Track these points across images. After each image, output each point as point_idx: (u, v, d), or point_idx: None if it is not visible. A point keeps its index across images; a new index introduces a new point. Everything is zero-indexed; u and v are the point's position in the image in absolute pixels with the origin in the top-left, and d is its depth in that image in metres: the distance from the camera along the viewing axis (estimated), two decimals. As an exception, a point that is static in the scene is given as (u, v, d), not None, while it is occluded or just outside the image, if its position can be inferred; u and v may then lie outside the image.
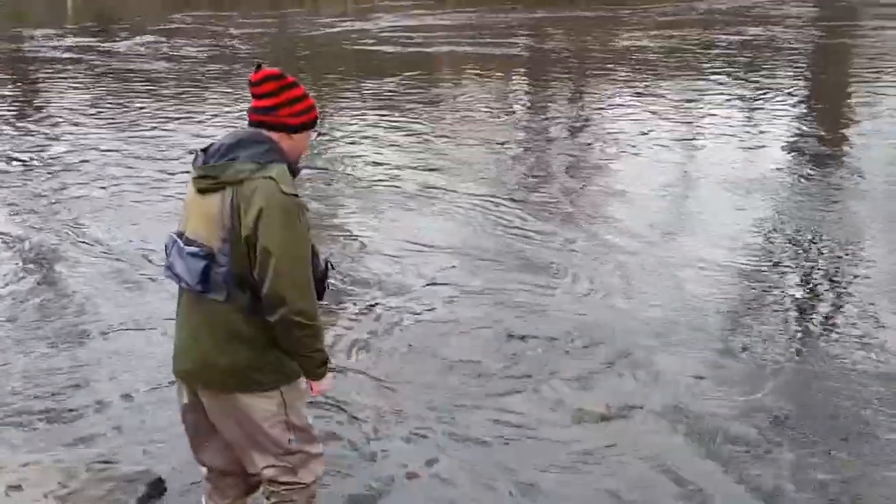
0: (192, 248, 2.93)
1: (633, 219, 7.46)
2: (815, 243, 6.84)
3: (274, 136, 2.98)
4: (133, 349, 5.29)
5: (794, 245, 6.87)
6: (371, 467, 4.13)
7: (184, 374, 3.12)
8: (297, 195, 2.92)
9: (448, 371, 5.01)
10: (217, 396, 3.04)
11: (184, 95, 12.81)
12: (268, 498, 3.30)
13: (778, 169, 8.88)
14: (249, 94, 3.01)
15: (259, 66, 2.97)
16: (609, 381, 4.90)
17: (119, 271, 6.53)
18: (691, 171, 9.02)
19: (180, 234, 3.01)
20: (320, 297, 3.12)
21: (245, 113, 3.10)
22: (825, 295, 6.03)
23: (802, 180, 8.50)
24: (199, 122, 11.18)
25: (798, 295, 6.04)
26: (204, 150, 3.00)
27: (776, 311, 5.72)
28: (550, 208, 7.82)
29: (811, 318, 5.71)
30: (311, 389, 3.16)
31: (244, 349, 2.96)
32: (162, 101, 12.51)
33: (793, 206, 7.77)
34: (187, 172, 3.20)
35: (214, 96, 12.78)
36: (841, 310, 5.79)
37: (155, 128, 10.91)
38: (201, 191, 2.97)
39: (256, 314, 2.92)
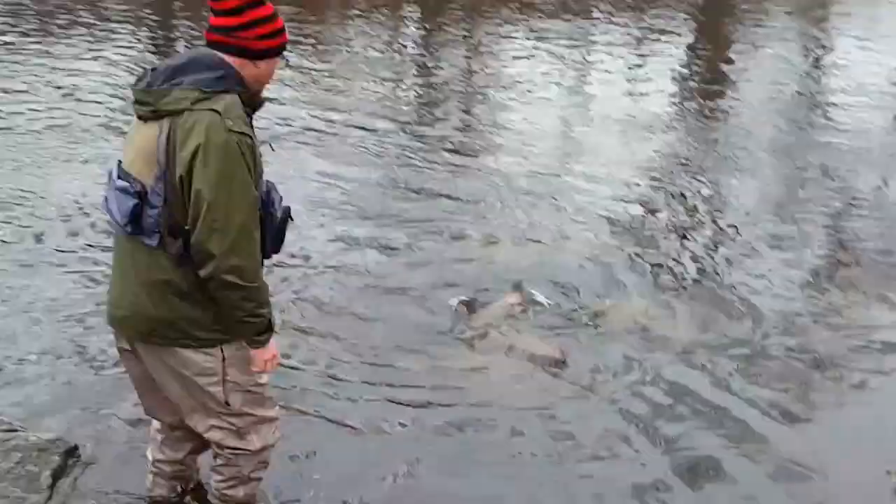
0: (123, 183, 2.63)
1: (526, 154, 7.59)
2: (698, 176, 7.27)
3: (233, 61, 2.64)
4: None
5: (679, 178, 7.25)
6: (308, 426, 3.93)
7: (115, 324, 2.84)
8: (246, 133, 2.59)
9: (371, 324, 4.84)
10: (152, 348, 2.78)
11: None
12: (215, 458, 3.08)
13: (664, 108, 9.21)
14: (208, 9, 2.66)
15: None
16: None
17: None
18: (581, 110, 9.23)
19: (119, 163, 2.70)
20: (275, 252, 2.87)
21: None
22: (706, 222, 6.49)
23: (688, 118, 8.93)
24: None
25: (682, 223, 6.43)
26: (153, 70, 2.66)
27: (664, 238, 6.13)
28: (446, 143, 7.79)
29: (694, 245, 6.05)
30: (256, 362, 2.83)
31: (178, 301, 2.68)
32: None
33: (679, 142, 8.16)
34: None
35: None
36: (720, 234, 6.26)
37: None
38: (141, 118, 2.65)
39: (192, 265, 2.64)
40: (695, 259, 5.82)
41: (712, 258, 5.87)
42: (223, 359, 2.78)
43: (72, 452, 3.59)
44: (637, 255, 5.78)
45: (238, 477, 3.10)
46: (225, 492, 3.15)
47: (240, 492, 3.15)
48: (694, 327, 4.97)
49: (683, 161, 7.61)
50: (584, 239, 6.00)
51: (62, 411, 3.90)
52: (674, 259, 5.78)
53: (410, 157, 7.35)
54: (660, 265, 5.66)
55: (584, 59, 11.00)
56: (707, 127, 8.64)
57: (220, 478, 3.13)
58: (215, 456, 3.09)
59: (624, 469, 3.77)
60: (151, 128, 2.59)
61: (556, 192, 6.75)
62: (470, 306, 4.97)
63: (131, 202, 2.59)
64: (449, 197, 6.58)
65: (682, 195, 6.86)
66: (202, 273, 2.59)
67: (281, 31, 2.70)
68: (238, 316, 2.68)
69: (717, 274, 5.64)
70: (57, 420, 3.83)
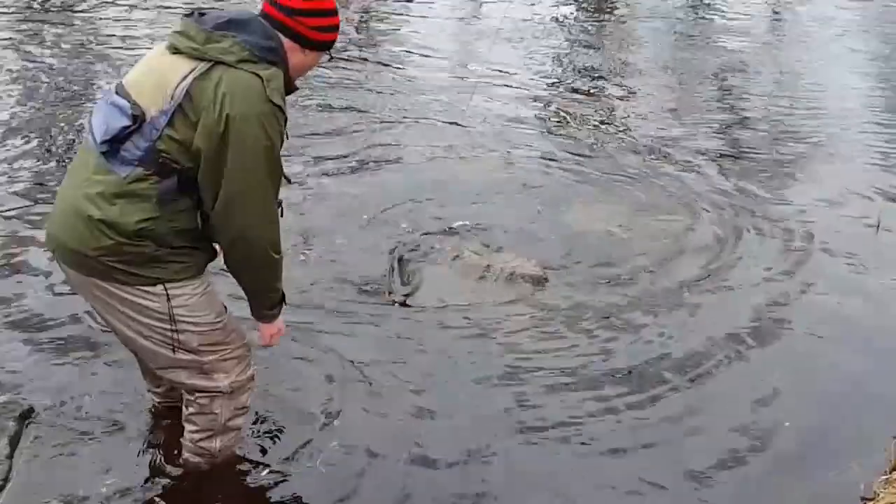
0: (122, 101, 2.43)
1: (423, 61, 7.97)
2: (590, 73, 7.96)
3: (285, 42, 2.54)
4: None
5: (570, 75, 7.94)
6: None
7: (54, 250, 2.61)
8: (282, 108, 2.46)
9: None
10: (92, 281, 2.55)
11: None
12: (187, 407, 2.85)
13: (556, 17, 9.90)
14: None
15: None
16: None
17: None
18: (476, 23, 9.74)
19: (121, 83, 2.52)
20: None
21: None
22: (597, 106, 7.11)
23: (579, 25, 9.75)
24: None
25: (573, 110, 6.95)
26: (201, 14, 2.51)
27: (555, 122, 6.69)
28: (343, 54, 7.80)
29: (580, 127, 6.60)
30: (262, 335, 2.80)
31: (125, 238, 2.44)
32: None
33: (570, 47, 8.80)
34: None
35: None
36: (612, 115, 6.95)
37: None
38: (173, 48, 2.47)
39: (163, 207, 2.44)
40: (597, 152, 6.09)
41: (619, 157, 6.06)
42: (167, 296, 2.55)
43: (27, 416, 3.25)
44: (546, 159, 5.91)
45: (213, 427, 2.85)
46: (200, 444, 2.90)
47: (216, 443, 2.90)
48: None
49: (582, 68, 8.12)
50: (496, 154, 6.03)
51: (9, 371, 3.52)
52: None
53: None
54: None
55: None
56: (598, 33, 9.34)
57: (193, 428, 2.88)
58: (187, 405, 2.84)
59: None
60: (183, 63, 2.42)
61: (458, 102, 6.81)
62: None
63: (123, 122, 2.40)
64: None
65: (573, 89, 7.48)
66: (227, 241, 2.52)
67: (336, 27, 2.62)
68: (257, 287, 2.66)
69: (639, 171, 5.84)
70: (4, 380, 3.45)
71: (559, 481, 3.13)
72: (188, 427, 2.89)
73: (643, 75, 7.93)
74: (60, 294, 3.98)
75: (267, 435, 3.25)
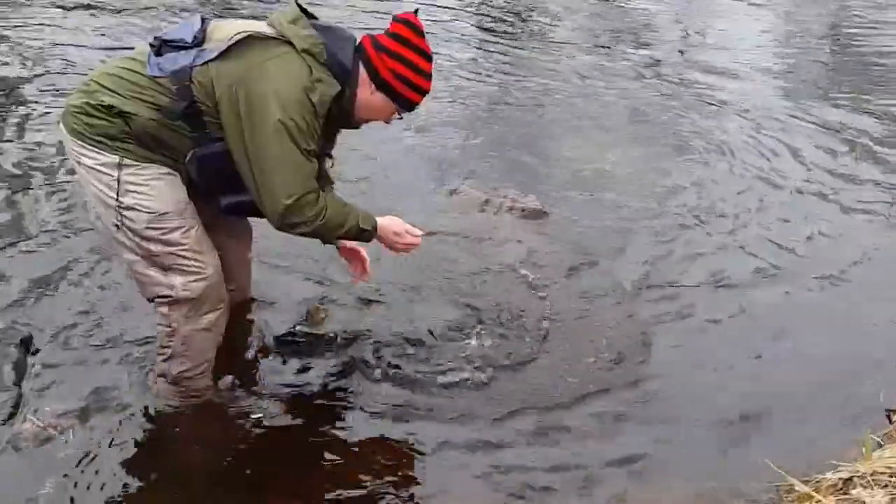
0: (197, 25, 2.50)
1: None
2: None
3: (361, 72, 2.53)
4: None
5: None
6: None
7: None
8: (316, 109, 2.44)
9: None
10: (68, 140, 2.55)
11: None
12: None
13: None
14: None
15: (416, 11, 2.55)
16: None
17: None
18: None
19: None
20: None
21: None
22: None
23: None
24: None
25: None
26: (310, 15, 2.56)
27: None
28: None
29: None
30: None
31: (103, 108, 2.47)
32: None
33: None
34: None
35: None
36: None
37: None
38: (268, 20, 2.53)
39: (160, 113, 2.46)
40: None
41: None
42: (119, 165, 2.49)
43: (27, 343, 3.09)
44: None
45: (170, 344, 2.72)
46: (159, 364, 2.79)
47: (172, 366, 2.77)
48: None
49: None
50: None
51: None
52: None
53: None
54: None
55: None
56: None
57: (157, 345, 2.78)
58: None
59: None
60: (260, 26, 2.49)
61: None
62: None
63: (186, 36, 2.47)
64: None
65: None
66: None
67: (417, 88, 2.54)
68: (331, 239, 2.76)
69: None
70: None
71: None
72: (157, 343, 2.79)
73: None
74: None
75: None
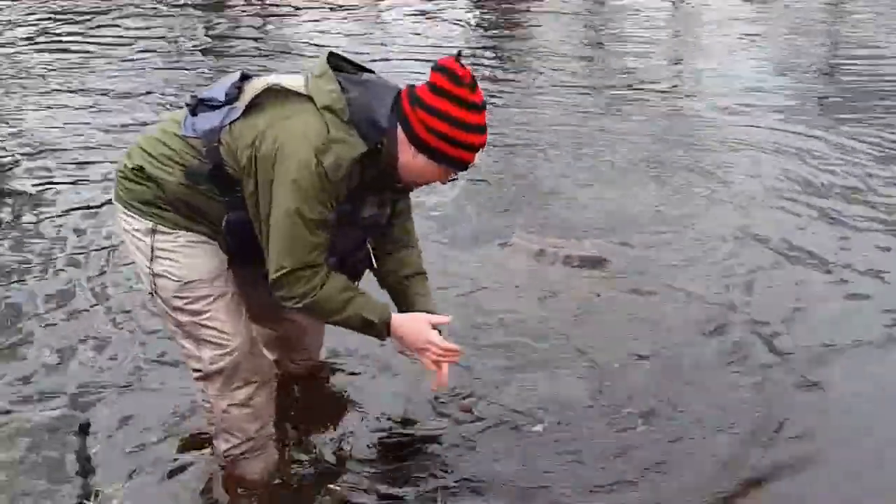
0: (237, 84, 2.36)
1: None
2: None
3: (399, 132, 2.25)
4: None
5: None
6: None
7: None
8: (328, 176, 2.21)
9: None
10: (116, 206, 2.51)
11: None
12: None
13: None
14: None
15: (459, 55, 2.21)
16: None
17: None
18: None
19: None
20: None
21: None
22: None
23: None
24: None
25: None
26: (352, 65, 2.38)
27: None
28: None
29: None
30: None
31: (137, 170, 2.40)
32: None
33: None
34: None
35: None
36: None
37: None
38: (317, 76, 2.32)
39: (186, 176, 2.35)
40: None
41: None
42: (153, 231, 2.41)
43: (86, 429, 2.88)
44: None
45: (213, 421, 2.61)
46: (214, 440, 2.67)
47: (220, 444, 2.65)
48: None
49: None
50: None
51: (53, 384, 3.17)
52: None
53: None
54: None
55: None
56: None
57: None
58: None
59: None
60: (288, 80, 2.34)
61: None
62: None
63: (220, 95, 2.34)
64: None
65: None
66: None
67: (462, 144, 2.21)
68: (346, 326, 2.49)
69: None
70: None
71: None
72: None
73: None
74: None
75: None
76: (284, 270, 2.26)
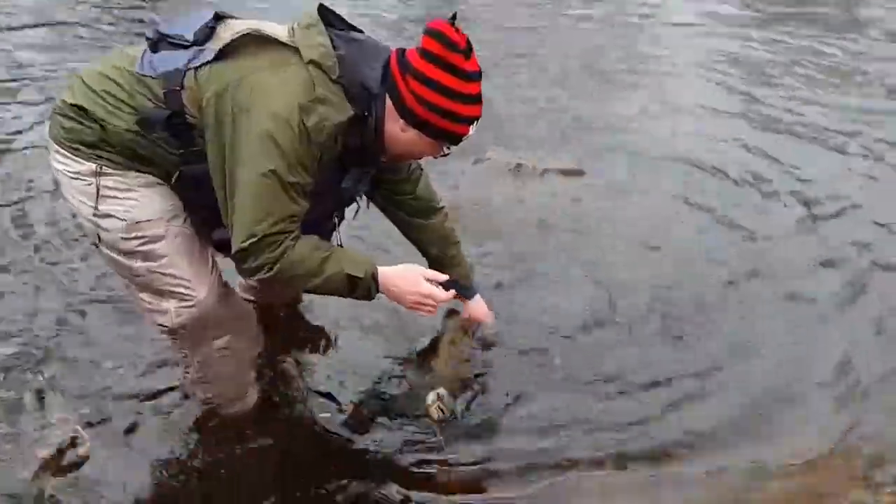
0: (209, 24, 2.06)
1: None
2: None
3: (388, 101, 2.00)
4: None
5: None
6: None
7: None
8: (310, 136, 1.94)
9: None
10: (49, 143, 2.17)
11: None
12: None
13: None
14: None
15: (454, 17, 1.96)
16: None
17: None
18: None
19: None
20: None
21: None
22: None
23: None
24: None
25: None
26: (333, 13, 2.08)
27: None
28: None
29: None
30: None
31: (80, 111, 2.07)
32: None
33: None
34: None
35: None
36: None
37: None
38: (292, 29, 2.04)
39: (139, 124, 2.04)
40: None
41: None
42: (98, 172, 2.10)
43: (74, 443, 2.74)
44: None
45: (188, 371, 2.41)
46: (187, 383, 2.51)
47: (198, 392, 2.48)
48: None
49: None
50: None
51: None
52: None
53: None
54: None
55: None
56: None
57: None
58: None
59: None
60: (271, 28, 2.03)
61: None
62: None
63: (188, 36, 2.05)
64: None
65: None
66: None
67: (460, 118, 1.98)
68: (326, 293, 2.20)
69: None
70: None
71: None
72: None
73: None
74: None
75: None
76: (253, 239, 1.97)
